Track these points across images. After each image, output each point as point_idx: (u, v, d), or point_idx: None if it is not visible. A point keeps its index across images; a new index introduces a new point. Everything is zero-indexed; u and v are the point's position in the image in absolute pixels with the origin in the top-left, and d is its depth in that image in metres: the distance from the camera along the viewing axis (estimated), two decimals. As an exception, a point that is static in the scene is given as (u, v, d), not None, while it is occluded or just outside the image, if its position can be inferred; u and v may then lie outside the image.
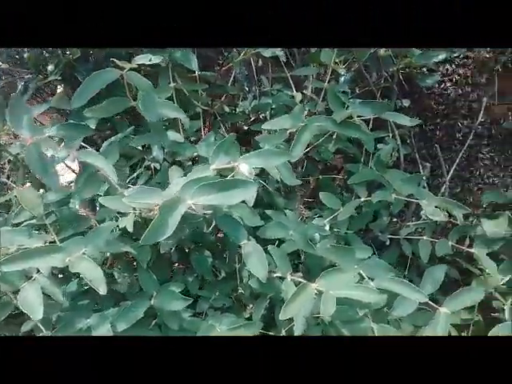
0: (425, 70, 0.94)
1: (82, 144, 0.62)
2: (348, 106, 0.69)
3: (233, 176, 0.57)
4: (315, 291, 0.58)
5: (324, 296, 0.55)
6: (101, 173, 0.58)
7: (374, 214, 0.95)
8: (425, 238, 0.87)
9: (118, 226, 0.60)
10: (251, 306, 0.74)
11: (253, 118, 1.00)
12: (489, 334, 0.53)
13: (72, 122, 0.58)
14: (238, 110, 1.03)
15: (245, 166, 0.51)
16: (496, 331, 0.53)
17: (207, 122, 0.88)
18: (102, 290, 0.50)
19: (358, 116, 0.71)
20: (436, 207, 0.71)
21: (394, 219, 0.99)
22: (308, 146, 0.72)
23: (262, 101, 0.98)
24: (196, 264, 0.72)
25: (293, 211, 0.81)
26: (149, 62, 0.59)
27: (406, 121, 0.70)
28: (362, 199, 0.76)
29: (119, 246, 0.59)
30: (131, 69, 0.57)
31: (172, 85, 0.74)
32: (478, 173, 0.97)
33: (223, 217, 0.60)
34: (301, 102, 0.84)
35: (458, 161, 0.92)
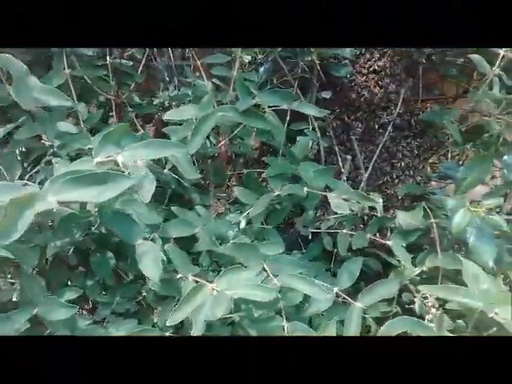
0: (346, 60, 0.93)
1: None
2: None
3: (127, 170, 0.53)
4: (212, 291, 0.55)
5: (217, 296, 0.51)
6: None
7: (301, 208, 0.93)
8: (344, 231, 0.86)
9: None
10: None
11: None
12: (379, 333, 0.52)
13: None
14: (157, 100, 0.97)
15: (120, 158, 0.46)
16: (386, 330, 0.51)
17: (118, 113, 0.83)
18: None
19: (271, 106, 0.68)
20: (347, 200, 0.70)
21: (322, 213, 0.98)
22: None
23: (182, 91, 0.93)
24: (96, 267, 0.67)
25: (206, 207, 0.77)
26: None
27: (314, 111, 0.67)
28: (276, 193, 0.73)
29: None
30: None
31: (67, 71, 0.68)
32: (399, 165, 0.97)
33: (113, 215, 0.55)
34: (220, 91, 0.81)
35: (377, 153, 0.92)
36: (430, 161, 1.40)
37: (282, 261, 0.64)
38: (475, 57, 0.81)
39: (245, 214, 0.75)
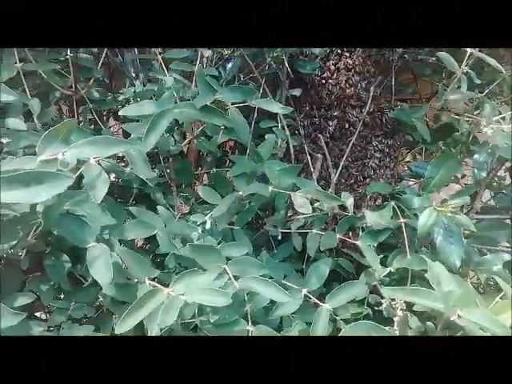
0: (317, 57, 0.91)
1: None
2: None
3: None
4: (167, 296, 0.52)
5: (170, 301, 0.49)
6: None
7: (272, 207, 0.91)
8: (314, 231, 0.84)
9: None
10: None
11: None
12: (341, 333, 0.50)
13: None
14: (122, 96, 0.94)
15: (60, 156, 0.43)
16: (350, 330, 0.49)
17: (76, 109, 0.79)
18: None
19: (235, 103, 0.66)
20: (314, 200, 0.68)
21: (293, 212, 0.97)
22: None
23: (148, 87, 0.90)
24: (50, 270, 0.63)
25: (171, 208, 0.74)
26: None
27: (277, 108, 0.65)
28: (240, 193, 0.71)
29: None
30: None
31: (18, 65, 0.65)
32: (370, 164, 0.96)
33: (61, 216, 0.52)
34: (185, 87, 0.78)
35: (348, 152, 0.90)
36: (408, 159, 1.40)
37: (246, 263, 0.61)
38: (443, 55, 0.80)
39: (210, 215, 0.73)
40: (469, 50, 0.79)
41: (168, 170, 0.81)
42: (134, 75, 0.98)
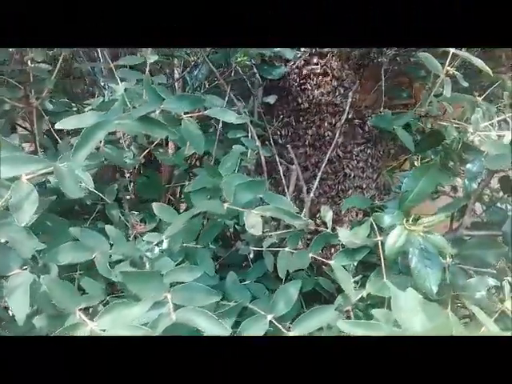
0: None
1: None
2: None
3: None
4: (91, 331, 0.46)
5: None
6: None
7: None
8: (286, 249, 0.77)
9: None
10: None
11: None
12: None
13: None
14: (89, 108, 0.90)
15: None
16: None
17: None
18: None
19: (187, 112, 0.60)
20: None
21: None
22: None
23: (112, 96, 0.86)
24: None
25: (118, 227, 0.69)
26: None
27: (232, 117, 0.60)
28: (197, 210, 0.65)
29: None
30: None
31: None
32: (351, 175, 0.89)
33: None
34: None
35: (325, 162, 0.84)
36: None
37: (193, 289, 0.55)
38: (424, 55, 0.73)
39: (166, 234, 0.67)
40: (452, 49, 0.72)
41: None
42: (102, 84, 0.94)
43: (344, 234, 0.70)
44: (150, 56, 0.61)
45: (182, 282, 0.57)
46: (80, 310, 0.51)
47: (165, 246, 0.69)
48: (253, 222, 0.55)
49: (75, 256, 0.56)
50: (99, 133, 0.53)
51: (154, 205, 0.68)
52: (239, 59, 0.69)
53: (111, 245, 0.63)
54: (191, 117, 0.64)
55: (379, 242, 0.68)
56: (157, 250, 0.71)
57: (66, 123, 0.58)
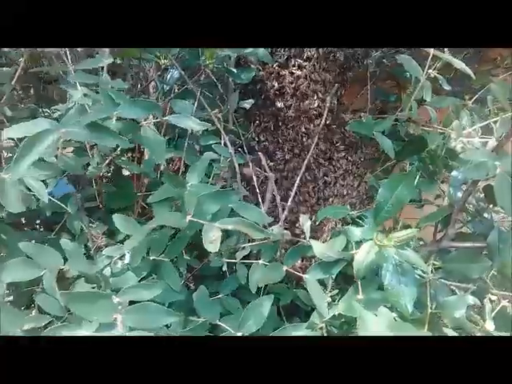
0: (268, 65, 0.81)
1: None
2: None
3: None
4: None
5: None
6: None
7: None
8: (260, 261, 0.73)
9: None
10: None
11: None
12: None
13: None
14: (57, 113, 0.86)
15: None
16: None
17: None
18: None
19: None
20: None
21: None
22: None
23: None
24: None
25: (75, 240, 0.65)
26: None
27: (192, 124, 0.56)
28: (155, 223, 0.61)
29: None
30: None
31: None
32: (331, 182, 0.85)
33: None
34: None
35: (303, 169, 0.80)
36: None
37: (148, 310, 0.51)
38: (403, 58, 0.69)
39: (125, 248, 0.63)
40: (431, 50, 0.68)
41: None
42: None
43: (318, 248, 0.66)
44: (104, 59, 0.57)
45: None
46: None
47: (127, 260, 0.65)
48: (210, 238, 0.51)
49: (24, 273, 0.52)
50: (43, 142, 0.49)
51: (115, 216, 0.64)
52: (207, 62, 0.66)
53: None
54: (158, 122, 0.61)
55: (355, 256, 0.64)
56: (120, 264, 0.67)
57: (14, 131, 0.54)
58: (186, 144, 0.70)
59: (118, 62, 1.08)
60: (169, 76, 0.77)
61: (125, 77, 1.05)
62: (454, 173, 0.81)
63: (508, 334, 0.54)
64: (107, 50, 0.58)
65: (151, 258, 0.68)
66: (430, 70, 0.71)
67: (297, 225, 0.88)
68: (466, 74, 1.03)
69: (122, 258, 0.66)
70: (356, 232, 0.57)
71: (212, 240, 0.51)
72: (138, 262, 0.62)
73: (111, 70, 1.11)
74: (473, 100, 0.95)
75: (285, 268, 0.71)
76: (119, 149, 0.66)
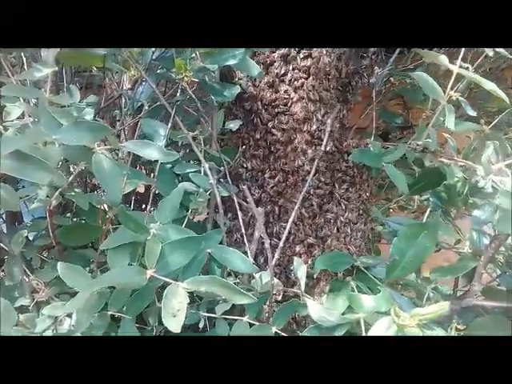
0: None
1: None
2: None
3: None
4: None
5: None
6: None
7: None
8: (244, 319, 0.60)
9: None
10: None
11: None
12: None
13: None
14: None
15: None
16: None
17: None
18: None
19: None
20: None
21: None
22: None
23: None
24: None
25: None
26: None
27: (152, 153, 0.43)
28: (106, 283, 0.47)
29: None
30: None
31: None
32: (331, 220, 0.72)
33: None
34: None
35: (298, 205, 0.67)
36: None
37: None
38: (419, 75, 0.57)
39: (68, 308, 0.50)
40: (455, 68, 0.56)
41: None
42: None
43: (315, 309, 0.52)
44: (45, 67, 0.45)
45: None
46: None
47: (73, 321, 0.51)
48: (173, 309, 0.38)
49: None
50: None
51: (59, 264, 0.50)
52: (180, 75, 0.53)
53: None
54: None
55: (361, 320, 0.51)
56: (66, 324, 0.54)
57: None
58: (157, 169, 0.58)
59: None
60: (140, 89, 0.64)
61: (100, 89, 0.94)
62: (476, 212, 0.68)
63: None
64: (51, 56, 0.46)
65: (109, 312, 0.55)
66: (452, 92, 0.59)
67: (291, 267, 0.74)
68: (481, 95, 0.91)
69: (69, 315, 0.53)
70: (366, 301, 0.44)
71: (175, 312, 0.38)
72: (85, 326, 0.49)
73: (88, 81, 0.98)
74: (491, 125, 0.83)
75: (274, 330, 0.58)
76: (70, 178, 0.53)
